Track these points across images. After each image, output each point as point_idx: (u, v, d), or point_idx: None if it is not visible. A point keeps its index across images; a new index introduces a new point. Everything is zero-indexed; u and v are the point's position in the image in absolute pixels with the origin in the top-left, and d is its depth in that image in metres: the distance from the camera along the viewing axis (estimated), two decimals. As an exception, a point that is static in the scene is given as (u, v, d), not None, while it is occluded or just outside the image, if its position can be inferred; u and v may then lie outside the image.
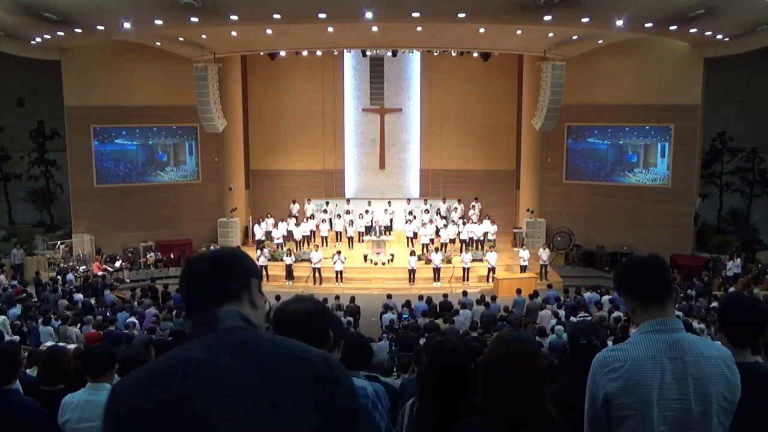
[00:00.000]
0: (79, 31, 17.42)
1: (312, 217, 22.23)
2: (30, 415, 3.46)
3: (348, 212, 22.21)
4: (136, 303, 15.43)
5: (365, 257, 20.38)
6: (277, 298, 15.20)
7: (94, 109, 20.77)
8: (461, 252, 20.30)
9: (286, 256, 19.69)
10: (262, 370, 1.53)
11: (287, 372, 1.54)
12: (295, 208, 22.63)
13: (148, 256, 21.11)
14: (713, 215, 24.48)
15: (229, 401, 1.48)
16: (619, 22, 15.92)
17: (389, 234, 21.49)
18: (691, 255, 20.80)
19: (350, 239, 21.64)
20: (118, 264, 20.42)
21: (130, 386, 1.56)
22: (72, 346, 9.09)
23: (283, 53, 21.10)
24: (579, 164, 22.61)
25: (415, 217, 21.90)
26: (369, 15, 15.43)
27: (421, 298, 15.30)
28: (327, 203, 22.90)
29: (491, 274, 19.37)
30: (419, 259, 19.73)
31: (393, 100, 23.76)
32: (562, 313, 13.90)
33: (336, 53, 21.89)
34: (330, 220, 22.38)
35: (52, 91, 21.90)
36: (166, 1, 14.90)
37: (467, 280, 19.33)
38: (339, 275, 19.12)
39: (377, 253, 20.31)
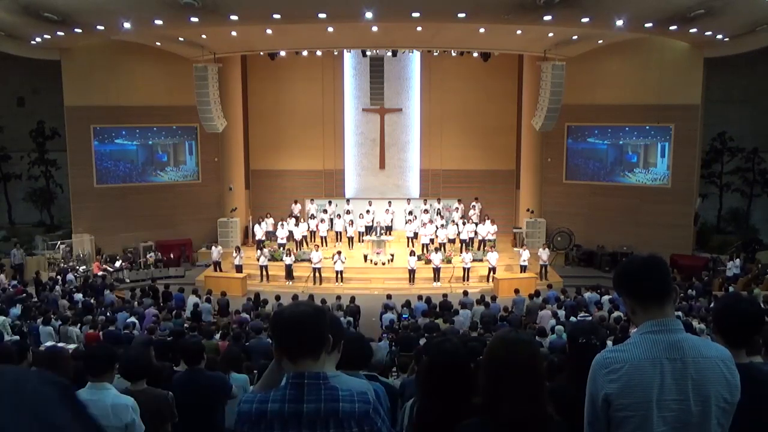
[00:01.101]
0: (79, 31, 17.42)
1: (312, 217, 22.24)
2: None
3: (348, 212, 22.21)
4: (136, 303, 15.43)
5: (365, 257, 20.38)
6: (277, 298, 15.29)
7: (94, 109, 20.78)
8: (461, 252, 20.30)
9: (286, 256, 19.68)
10: None
11: None
12: (296, 208, 22.63)
13: (148, 256, 21.11)
14: (713, 215, 24.48)
15: None
16: (619, 22, 15.92)
17: (389, 234, 21.50)
18: (691, 255, 20.80)
19: (350, 239, 21.64)
20: (118, 264, 20.42)
21: None
22: (72, 346, 9.10)
23: (283, 53, 21.10)
24: (579, 164, 22.61)
25: (415, 218, 21.90)
26: (369, 15, 15.42)
27: (421, 298, 15.29)
28: (330, 203, 22.90)
29: (491, 274, 19.37)
30: (419, 259, 19.73)
31: (393, 100, 23.76)
32: (562, 313, 13.90)
33: (336, 53, 21.89)
34: (330, 220, 22.38)
35: (52, 91, 21.90)
36: (166, 1, 14.90)
37: (467, 280, 19.33)
38: (339, 275, 19.11)
39: (377, 253, 20.30)
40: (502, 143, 23.64)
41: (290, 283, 19.48)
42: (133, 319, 12.74)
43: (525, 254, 19.64)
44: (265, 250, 19.95)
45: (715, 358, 2.18)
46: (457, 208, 22.75)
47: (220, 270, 20.00)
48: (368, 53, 21.96)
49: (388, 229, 21.70)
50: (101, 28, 17.21)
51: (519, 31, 17.83)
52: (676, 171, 20.93)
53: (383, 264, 20.16)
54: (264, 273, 19.62)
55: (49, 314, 12.30)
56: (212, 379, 5.23)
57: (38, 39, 18.10)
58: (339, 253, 19.23)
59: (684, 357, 2.15)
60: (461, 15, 15.81)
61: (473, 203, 22.73)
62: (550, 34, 18.27)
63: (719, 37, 17.91)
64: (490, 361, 2.21)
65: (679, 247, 20.37)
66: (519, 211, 23.12)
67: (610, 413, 2.20)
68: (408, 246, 20.72)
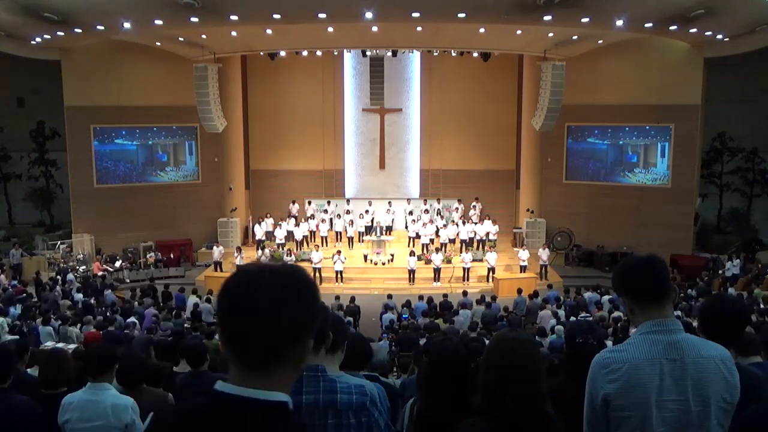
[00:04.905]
0: (79, 31, 17.42)
1: (312, 217, 22.23)
2: (23, 414, 3.46)
3: (348, 212, 22.21)
4: (136, 303, 15.43)
5: (365, 257, 20.38)
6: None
7: (94, 109, 20.77)
8: (461, 252, 20.30)
9: (286, 256, 19.68)
10: None
11: None
12: (294, 208, 22.62)
13: (148, 256, 21.10)
14: (713, 215, 24.46)
15: None
16: (619, 22, 15.92)
17: (389, 234, 21.49)
18: (691, 255, 20.79)
19: (350, 239, 21.63)
20: (118, 264, 20.42)
21: None
22: (72, 347, 9.09)
23: (283, 53, 21.09)
24: (579, 164, 22.60)
25: (415, 219, 21.88)
26: (369, 15, 15.42)
27: (421, 298, 15.30)
28: (329, 203, 22.90)
29: (491, 274, 19.36)
30: (419, 259, 19.73)
31: (393, 100, 23.74)
32: (562, 313, 13.90)
33: (336, 53, 21.88)
34: (330, 220, 22.37)
35: (52, 91, 21.88)
36: (166, 1, 14.91)
37: (467, 280, 19.33)
38: (339, 275, 19.11)
39: (377, 253, 20.30)
40: (502, 143, 23.64)
41: (290, 283, 19.43)
42: (133, 319, 12.75)
43: (524, 254, 19.63)
44: (266, 250, 19.95)
45: (715, 358, 2.18)
46: (457, 208, 22.74)
47: (221, 270, 19.99)
48: (368, 53, 21.95)
49: (388, 229, 21.70)
50: (101, 28, 17.21)
51: (519, 31, 17.82)
52: (676, 171, 20.92)
53: (383, 264, 20.16)
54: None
55: (49, 314, 12.29)
56: (216, 380, 5.21)
57: (38, 39, 18.09)
58: (339, 252, 19.23)
59: (683, 357, 2.15)
60: (461, 15, 15.81)
61: (473, 203, 22.72)
62: (550, 34, 18.26)
63: (719, 37, 17.90)
64: (489, 361, 2.21)
65: (679, 247, 20.36)
66: (519, 211, 23.12)
67: (609, 413, 2.20)
68: (408, 246, 20.72)
